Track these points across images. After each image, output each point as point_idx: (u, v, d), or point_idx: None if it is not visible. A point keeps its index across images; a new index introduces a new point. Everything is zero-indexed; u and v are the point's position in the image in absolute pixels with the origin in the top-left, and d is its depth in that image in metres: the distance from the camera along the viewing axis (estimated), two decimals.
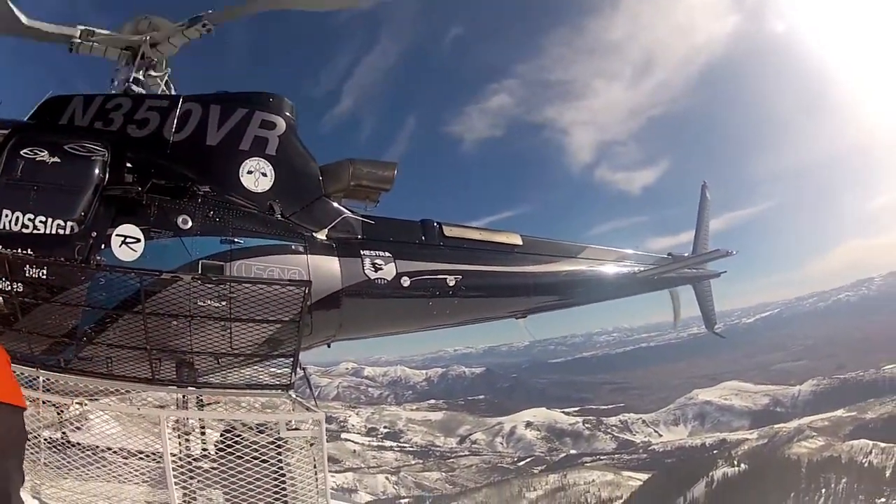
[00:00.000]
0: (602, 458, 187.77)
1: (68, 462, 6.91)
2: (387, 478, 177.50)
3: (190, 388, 7.96)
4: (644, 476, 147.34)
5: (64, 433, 7.23)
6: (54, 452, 6.98)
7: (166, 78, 11.02)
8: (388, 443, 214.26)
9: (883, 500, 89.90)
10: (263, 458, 6.75)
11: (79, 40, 10.11)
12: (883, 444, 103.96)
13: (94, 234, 8.06)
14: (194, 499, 6.70)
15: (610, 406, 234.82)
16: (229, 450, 6.63)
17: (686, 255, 15.03)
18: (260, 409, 7.60)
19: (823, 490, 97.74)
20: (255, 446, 6.71)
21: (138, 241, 8.13)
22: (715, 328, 16.79)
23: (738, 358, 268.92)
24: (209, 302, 8.03)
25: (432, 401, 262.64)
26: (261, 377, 8.27)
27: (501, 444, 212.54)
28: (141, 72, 10.60)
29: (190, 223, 8.42)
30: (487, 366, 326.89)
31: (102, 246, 8.04)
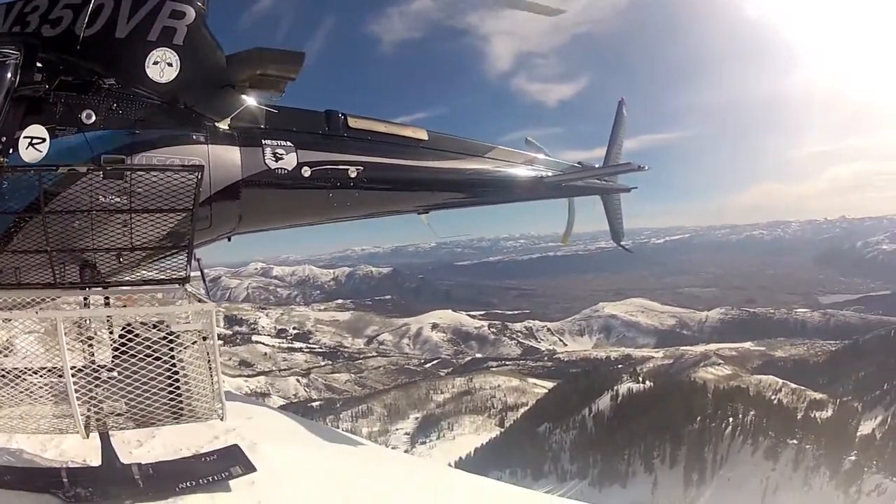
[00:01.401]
0: (507, 363, 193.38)
1: None
2: (297, 380, 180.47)
3: (90, 289, 7.78)
4: (549, 384, 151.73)
5: None
6: None
7: None
8: (297, 344, 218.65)
9: (795, 441, 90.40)
10: (157, 355, 6.59)
11: None
12: (793, 385, 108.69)
13: (3, 139, 7.69)
14: (97, 407, 6.59)
15: (515, 312, 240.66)
16: (126, 352, 6.51)
17: (597, 165, 15.09)
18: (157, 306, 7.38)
19: (731, 419, 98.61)
20: (148, 344, 6.54)
21: (43, 140, 7.83)
22: (622, 243, 16.83)
23: (646, 277, 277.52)
24: (109, 197, 7.82)
25: (340, 301, 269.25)
26: (160, 274, 8.15)
27: (408, 345, 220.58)
28: None
29: (94, 118, 8.14)
30: (395, 266, 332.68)
31: (11, 150, 7.69)
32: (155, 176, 7.64)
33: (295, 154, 9.47)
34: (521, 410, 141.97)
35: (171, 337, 6.58)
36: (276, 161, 9.31)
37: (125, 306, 7.42)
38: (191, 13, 8.86)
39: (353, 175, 9.96)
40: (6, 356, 6.83)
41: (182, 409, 6.69)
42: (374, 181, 10.30)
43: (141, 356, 6.43)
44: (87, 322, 6.79)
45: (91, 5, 8.38)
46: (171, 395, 6.59)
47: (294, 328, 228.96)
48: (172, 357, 6.62)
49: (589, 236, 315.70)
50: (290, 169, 9.42)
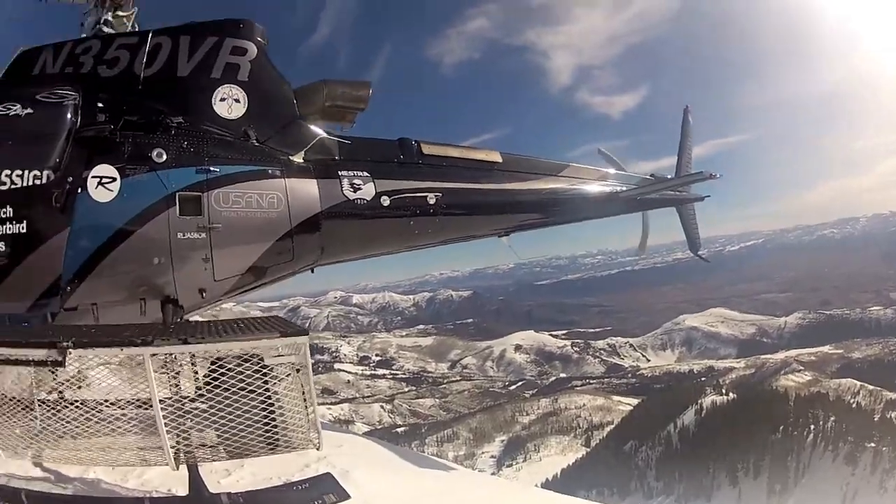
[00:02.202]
0: (592, 382, 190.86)
1: (66, 422, 6.74)
2: (382, 406, 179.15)
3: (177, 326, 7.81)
4: (634, 401, 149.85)
5: (60, 393, 7.05)
6: (51, 414, 6.81)
7: (133, 17, 10.68)
8: (380, 371, 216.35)
9: (872, 444, 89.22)
10: (251, 389, 6.52)
11: None
12: (870, 387, 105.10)
13: (70, 179, 7.84)
14: (188, 440, 6.57)
15: (597, 329, 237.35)
16: (217, 384, 6.47)
17: (669, 177, 14.87)
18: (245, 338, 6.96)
19: (812, 427, 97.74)
20: (241, 377, 6.46)
21: (114, 180, 7.92)
22: (699, 253, 16.40)
23: (723, 285, 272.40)
24: (190, 234, 8.04)
25: (421, 326, 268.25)
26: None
27: (492, 368, 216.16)
28: (109, 13, 10.40)
29: (165, 156, 8.21)
30: (474, 289, 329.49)
31: (79, 190, 7.82)
32: (234, 211, 8.01)
33: (372, 184, 9.51)
34: (607, 429, 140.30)
35: (264, 370, 6.53)
36: (355, 191, 9.33)
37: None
38: (252, 49, 9.14)
39: (431, 202, 9.98)
40: (86, 387, 6.93)
41: (278, 439, 6.66)
42: (454, 206, 10.27)
43: (233, 389, 6.39)
44: (173, 356, 6.65)
45: (147, 46, 8.78)
46: (266, 426, 6.53)
47: (377, 355, 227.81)
48: (267, 389, 6.58)
49: (665, 248, 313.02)
50: (368, 199, 9.44)
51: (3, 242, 7.45)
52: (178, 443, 6.40)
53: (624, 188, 12.95)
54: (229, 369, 6.40)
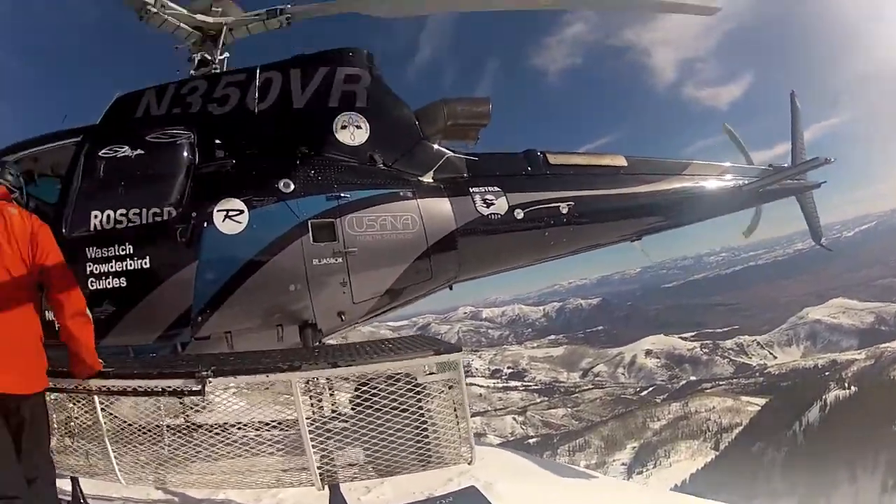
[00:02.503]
0: (721, 383, 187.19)
1: (195, 445, 6.84)
2: (514, 418, 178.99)
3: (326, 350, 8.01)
4: (762, 401, 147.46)
5: (187, 417, 7.22)
6: (179, 439, 6.91)
7: (226, 57, 10.91)
8: (512, 383, 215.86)
9: None
10: (403, 408, 6.48)
11: (154, 8, 10.11)
12: None
13: (195, 214, 8.01)
14: (334, 460, 6.54)
15: (725, 329, 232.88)
16: (366, 404, 6.47)
17: (785, 165, 14.22)
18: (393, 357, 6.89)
19: None
20: (392, 396, 6.44)
21: (241, 212, 8.06)
22: (821, 242, 15.62)
23: (842, 273, 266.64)
24: (326, 260, 8.17)
25: (552, 336, 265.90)
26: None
27: (623, 374, 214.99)
28: (208, 53, 10.65)
29: (293, 186, 8.36)
30: (603, 296, 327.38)
31: (205, 224, 7.98)
32: (369, 235, 8.17)
33: (504, 198, 9.53)
34: (736, 431, 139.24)
35: (417, 388, 6.55)
36: (488, 207, 9.37)
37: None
38: (365, 76, 9.26)
39: (564, 211, 9.95)
40: (218, 412, 7.07)
41: (430, 455, 6.66)
42: (586, 214, 10.20)
43: (384, 408, 6.44)
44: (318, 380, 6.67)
45: (257, 82, 8.94)
46: (418, 443, 6.53)
47: (508, 367, 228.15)
48: (420, 407, 6.60)
49: (786, 239, 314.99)
50: (502, 213, 9.46)
51: (123, 277, 7.73)
52: (324, 463, 6.46)
53: (746, 181, 12.66)
54: (379, 389, 6.47)
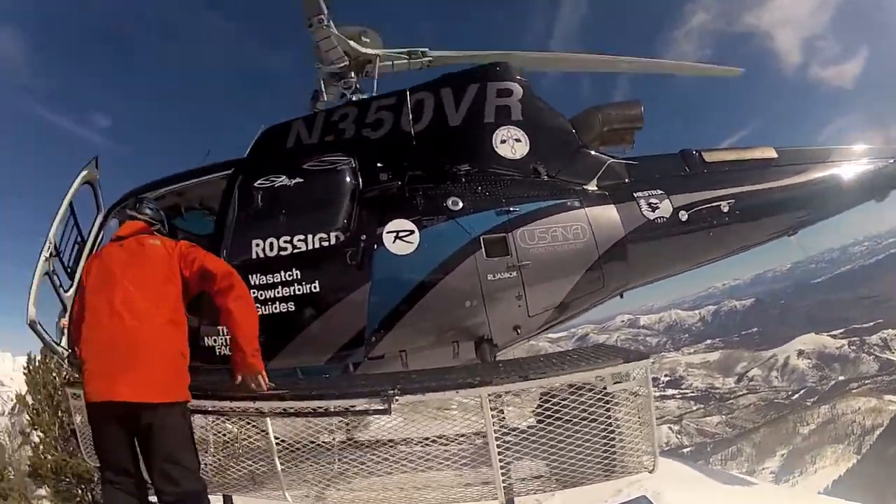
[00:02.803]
0: (866, 382, 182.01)
1: (365, 462, 7.00)
2: (670, 428, 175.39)
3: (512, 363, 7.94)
4: None
5: (351, 433, 7.62)
6: (349, 455, 7.09)
7: (374, 82, 10.98)
8: (669, 391, 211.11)
9: None
10: (590, 417, 6.34)
11: (325, 22, 10.18)
12: None
13: (364, 237, 8.08)
14: (516, 472, 6.50)
15: (870, 323, 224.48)
16: (551, 415, 6.36)
17: None
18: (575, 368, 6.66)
19: None
20: (579, 407, 6.32)
21: (412, 232, 8.08)
22: None
23: None
24: (500, 275, 8.09)
25: (708, 341, 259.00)
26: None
27: (776, 377, 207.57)
28: (354, 81, 10.80)
29: (461, 203, 8.29)
30: (756, 295, 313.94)
31: (375, 246, 8.03)
32: (542, 247, 8.16)
33: (668, 200, 9.25)
34: (877, 433, 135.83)
35: (606, 397, 6.47)
36: (653, 211, 9.13)
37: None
38: (517, 89, 9.19)
39: (725, 210, 9.60)
40: (377, 429, 7.29)
41: (614, 465, 6.61)
42: (745, 211, 9.80)
43: (570, 418, 6.38)
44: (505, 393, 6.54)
45: (409, 104, 9.00)
46: (603, 453, 6.50)
47: (665, 375, 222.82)
48: (608, 416, 6.52)
49: None
50: (667, 216, 9.20)
51: (291, 302, 7.93)
52: (508, 476, 6.42)
53: (892, 161, 11.55)
54: (564, 399, 6.42)
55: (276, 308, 7.98)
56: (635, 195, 9.21)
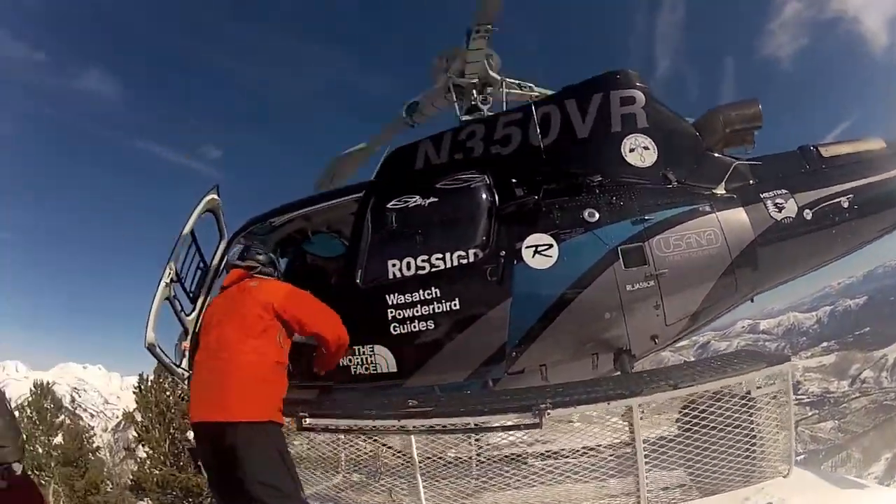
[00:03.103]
0: None
1: (504, 476, 6.98)
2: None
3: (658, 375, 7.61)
4: None
5: (487, 449, 7.66)
6: (487, 469, 7.14)
7: (503, 96, 11.01)
8: None
9: None
10: (733, 424, 6.32)
11: (407, 118, 10.80)
12: None
13: (503, 252, 8.05)
14: (659, 482, 6.47)
15: None
16: (694, 423, 6.34)
17: None
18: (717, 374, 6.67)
19: None
20: (722, 413, 6.31)
21: (550, 246, 8.03)
22: None
23: None
24: (638, 284, 7.99)
25: (824, 343, 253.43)
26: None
27: (886, 378, 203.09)
28: (473, 100, 10.72)
29: (597, 215, 8.22)
30: (869, 293, 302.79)
31: (515, 261, 8.01)
32: (677, 254, 8.06)
33: (793, 199, 9.06)
34: None
35: (749, 403, 6.42)
36: (780, 211, 8.95)
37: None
38: (640, 96, 9.08)
39: (845, 205, 9.37)
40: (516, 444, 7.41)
41: (752, 471, 6.55)
42: (864, 205, 9.54)
43: (713, 425, 6.34)
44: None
45: (536, 118, 8.93)
46: (743, 460, 6.45)
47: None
48: (751, 422, 6.46)
49: None
50: (793, 216, 9.00)
51: (430, 320, 7.95)
52: (652, 486, 6.36)
53: None
54: (707, 407, 6.39)
55: (414, 327, 8.02)
56: (762, 196, 9.01)
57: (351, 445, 7.62)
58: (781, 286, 10.09)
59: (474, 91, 10.78)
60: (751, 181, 9.22)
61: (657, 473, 6.51)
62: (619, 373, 8.20)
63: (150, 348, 7.87)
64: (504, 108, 10.23)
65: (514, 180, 8.57)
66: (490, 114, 10.26)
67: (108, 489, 41.94)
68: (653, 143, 8.92)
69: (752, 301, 9.48)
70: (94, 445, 46.93)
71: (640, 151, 8.86)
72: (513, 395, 7.34)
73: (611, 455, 6.78)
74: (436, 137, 9.35)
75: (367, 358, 7.99)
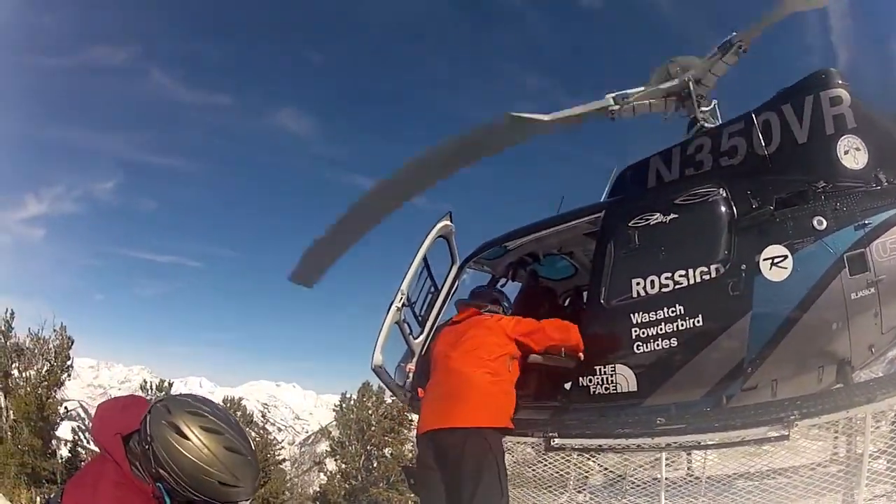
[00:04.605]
0: None
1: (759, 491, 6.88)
2: None
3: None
4: None
5: (690, 467, 7.71)
6: (683, 491, 7.09)
7: (713, 107, 10.50)
8: None
9: None
10: None
11: (616, 107, 10.28)
12: None
13: (743, 266, 7.86)
14: (876, 496, 6.22)
15: None
16: None
17: None
18: None
19: None
20: None
21: (785, 257, 7.73)
22: None
23: None
24: (861, 292, 7.53)
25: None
26: None
27: None
28: (693, 112, 10.22)
29: (825, 223, 7.83)
30: None
31: (754, 275, 7.78)
32: (893, 257, 7.60)
33: None
34: None
35: None
36: None
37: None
38: (845, 95, 8.58)
39: None
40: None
41: None
42: None
43: None
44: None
45: (757, 126, 8.65)
46: None
47: None
48: None
49: None
50: None
51: (674, 338, 7.82)
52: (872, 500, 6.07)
53: None
54: None
55: (658, 345, 7.95)
56: None
57: (580, 466, 7.79)
58: None
59: (699, 101, 10.36)
60: None
61: (878, 487, 6.38)
62: (840, 385, 7.79)
63: (377, 369, 8.31)
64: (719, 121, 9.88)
65: (748, 192, 8.29)
66: (711, 125, 9.90)
67: (286, 498, 44.78)
68: (863, 144, 8.42)
69: None
70: (280, 458, 49.50)
71: (853, 154, 8.37)
72: (755, 409, 7.24)
73: (835, 467, 6.85)
74: (664, 154, 9.37)
75: (608, 377, 8.01)
